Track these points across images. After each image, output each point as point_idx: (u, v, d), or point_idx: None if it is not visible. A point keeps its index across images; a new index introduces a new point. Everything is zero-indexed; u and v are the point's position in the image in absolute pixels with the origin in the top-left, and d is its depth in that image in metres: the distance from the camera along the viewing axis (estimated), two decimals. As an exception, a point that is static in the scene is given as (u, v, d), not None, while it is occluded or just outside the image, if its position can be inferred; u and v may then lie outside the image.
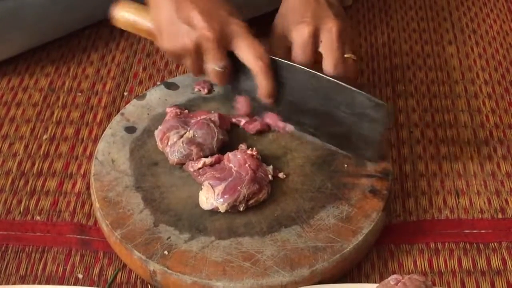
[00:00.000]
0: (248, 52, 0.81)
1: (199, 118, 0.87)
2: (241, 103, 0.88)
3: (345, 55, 0.83)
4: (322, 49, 0.83)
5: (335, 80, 0.81)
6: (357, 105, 0.81)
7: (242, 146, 0.85)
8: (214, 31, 0.80)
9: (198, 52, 0.82)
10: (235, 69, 0.84)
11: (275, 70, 0.83)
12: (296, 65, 0.83)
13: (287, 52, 0.85)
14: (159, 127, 0.87)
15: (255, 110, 0.87)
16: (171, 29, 0.82)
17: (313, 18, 0.82)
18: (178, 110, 0.88)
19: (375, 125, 0.82)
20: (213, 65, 0.82)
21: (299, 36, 0.82)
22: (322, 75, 0.82)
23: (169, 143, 0.84)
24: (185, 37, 0.81)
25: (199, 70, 0.84)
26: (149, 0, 0.86)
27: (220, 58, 0.82)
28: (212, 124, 0.86)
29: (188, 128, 0.85)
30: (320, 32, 0.82)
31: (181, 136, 0.84)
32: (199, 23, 0.80)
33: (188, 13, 0.81)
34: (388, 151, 0.87)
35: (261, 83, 0.83)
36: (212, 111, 0.89)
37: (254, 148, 0.84)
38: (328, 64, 0.83)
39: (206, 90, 0.93)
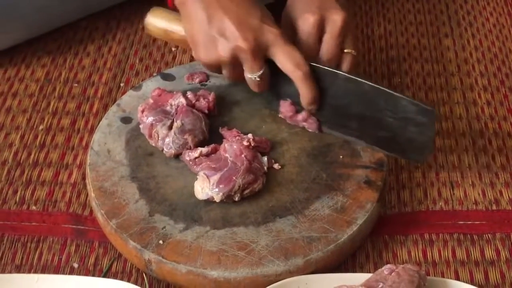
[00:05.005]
0: (286, 61, 0.80)
1: (176, 105, 0.86)
2: (285, 108, 0.86)
3: (346, 50, 0.83)
4: (324, 38, 0.82)
5: (378, 86, 0.80)
6: (401, 110, 0.80)
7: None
8: (249, 42, 0.78)
9: (234, 63, 0.81)
10: (275, 73, 0.82)
11: (315, 77, 0.81)
12: (337, 71, 0.81)
13: (296, 44, 0.84)
14: (141, 126, 0.86)
15: (300, 113, 0.86)
16: (205, 40, 0.80)
17: (319, 8, 0.82)
18: (150, 100, 0.88)
19: (422, 129, 0.80)
20: (250, 75, 0.81)
21: (304, 25, 0.81)
22: (363, 80, 0.81)
23: (160, 137, 0.84)
24: (220, 49, 0.80)
25: (237, 78, 0.83)
26: (180, 9, 0.84)
27: (257, 67, 0.80)
28: (195, 110, 0.86)
29: (173, 118, 0.85)
30: (325, 23, 0.82)
31: (169, 127, 0.84)
32: (232, 33, 0.79)
33: (221, 23, 0.79)
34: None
35: (302, 92, 0.81)
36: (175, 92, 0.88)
37: (250, 139, 0.84)
38: (324, 55, 0.83)
39: (197, 80, 0.93)
